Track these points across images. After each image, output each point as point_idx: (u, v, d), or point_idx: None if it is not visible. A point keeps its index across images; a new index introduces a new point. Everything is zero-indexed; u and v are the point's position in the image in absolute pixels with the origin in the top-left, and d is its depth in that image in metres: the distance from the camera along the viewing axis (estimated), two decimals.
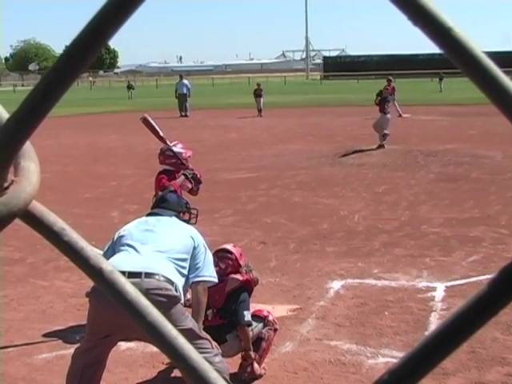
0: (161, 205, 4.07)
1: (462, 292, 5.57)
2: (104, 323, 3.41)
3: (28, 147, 0.39)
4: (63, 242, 0.38)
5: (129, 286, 0.38)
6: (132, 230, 3.82)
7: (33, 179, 0.39)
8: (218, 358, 3.62)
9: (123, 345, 4.77)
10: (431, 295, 5.57)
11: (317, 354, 4.52)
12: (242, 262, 4.32)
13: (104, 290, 0.39)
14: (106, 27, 0.34)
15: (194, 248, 3.74)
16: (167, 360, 4.24)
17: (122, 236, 3.79)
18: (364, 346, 4.60)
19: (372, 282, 5.98)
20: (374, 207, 9.03)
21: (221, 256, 4.26)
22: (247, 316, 4.12)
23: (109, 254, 3.72)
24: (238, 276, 4.23)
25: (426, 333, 4.78)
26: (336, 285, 5.91)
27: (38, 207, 0.38)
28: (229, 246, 4.41)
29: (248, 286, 4.28)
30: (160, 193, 4.37)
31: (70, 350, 4.71)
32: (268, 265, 6.55)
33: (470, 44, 0.33)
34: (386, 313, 5.21)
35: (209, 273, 3.77)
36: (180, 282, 3.61)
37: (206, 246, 3.84)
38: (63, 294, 5.89)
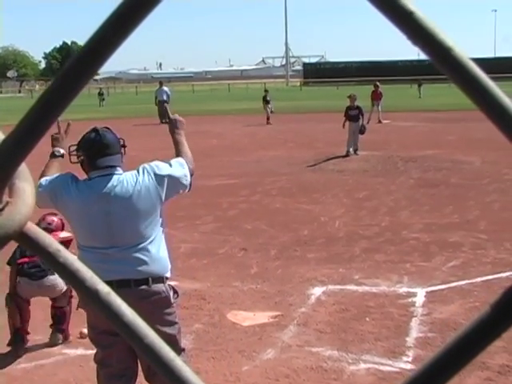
0: (105, 152, 3.31)
1: (442, 297, 5.59)
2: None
3: (23, 168, 0.39)
4: (59, 264, 0.38)
5: (125, 308, 0.38)
6: (89, 212, 3.23)
7: (28, 200, 0.38)
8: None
9: None
10: (412, 300, 5.58)
11: (298, 360, 4.50)
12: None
13: (100, 311, 0.38)
14: (104, 49, 0.34)
15: (162, 185, 3.26)
16: None
17: (75, 208, 3.26)
18: (345, 352, 4.58)
19: (353, 287, 5.97)
20: (355, 213, 9.03)
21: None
22: None
23: (53, 185, 3.30)
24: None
25: (407, 338, 4.80)
26: (317, 291, 5.90)
27: (33, 228, 0.38)
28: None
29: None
30: (92, 134, 3.39)
31: (50, 359, 4.68)
32: (249, 271, 6.52)
33: (470, 64, 0.33)
34: (367, 319, 5.21)
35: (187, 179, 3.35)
36: (162, 251, 3.31)
37: (166, 169, 3.31)
38: (42, 303, 5.72)
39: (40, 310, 5.62)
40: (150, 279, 3.25)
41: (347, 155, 14.56)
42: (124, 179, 3.28)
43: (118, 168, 3.36)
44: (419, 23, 0.32)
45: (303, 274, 6.37)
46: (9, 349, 4.85)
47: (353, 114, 14.91)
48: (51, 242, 0.39)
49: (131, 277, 3.21)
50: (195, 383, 0.37)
